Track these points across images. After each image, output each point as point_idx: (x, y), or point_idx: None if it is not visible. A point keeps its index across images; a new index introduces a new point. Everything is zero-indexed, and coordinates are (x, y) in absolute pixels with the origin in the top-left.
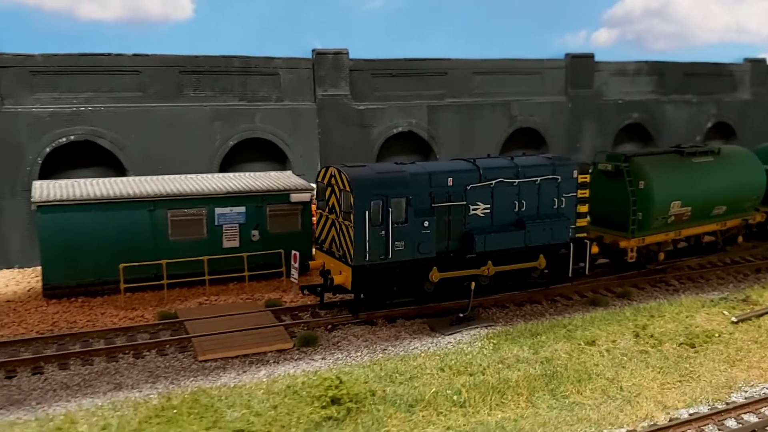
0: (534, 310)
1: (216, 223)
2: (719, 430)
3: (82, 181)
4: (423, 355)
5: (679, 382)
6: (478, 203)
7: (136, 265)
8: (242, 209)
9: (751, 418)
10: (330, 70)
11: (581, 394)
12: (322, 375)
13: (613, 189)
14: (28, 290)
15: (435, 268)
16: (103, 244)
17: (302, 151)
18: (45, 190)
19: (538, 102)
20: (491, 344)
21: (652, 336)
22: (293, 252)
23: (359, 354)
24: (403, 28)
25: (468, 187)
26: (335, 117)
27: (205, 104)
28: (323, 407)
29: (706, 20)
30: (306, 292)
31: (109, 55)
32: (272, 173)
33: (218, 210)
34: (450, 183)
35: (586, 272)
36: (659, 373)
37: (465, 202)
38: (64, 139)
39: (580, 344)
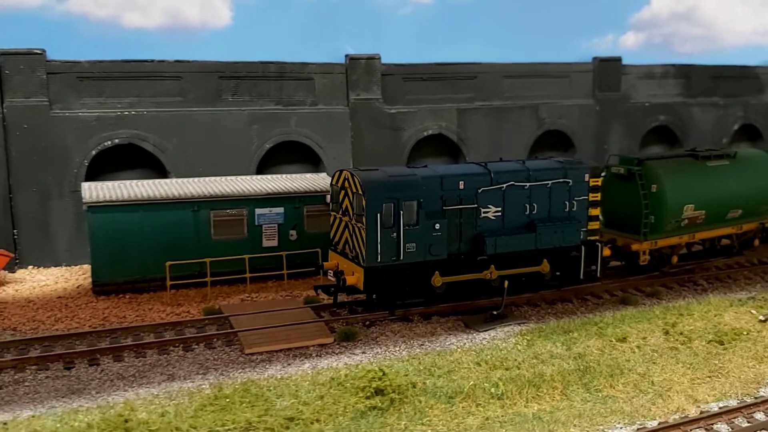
0: (565, 308)
1: (256, 223)
2: (748, 422)
3: (128, 182)
4: (459, 350)
5: (709, 377)
6: (490, 206)
7: (181, 263)
8: (281, 210)
9: None
10: (362, 74)
11: (614, 388)
12: (366, 367)
13: (625, 192)
14: (77, 287)
15: (437, 272)
16: (149, 243)
17: (335, 153)
18: (94, 191)
19: (566, 105)
20: (525, 340)
21: (681, 333)
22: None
23: (397, 348)
24: (434, 33)
25: (479, 191)
26: (367, 120)
27: (243, 109)
28: (368, 397)
29: (733, 23)
30: (320, 291)
31: (152, 61)
32: (308, 175)
33: (258, 210)
34: (461, 186)
35: (598, 275)
36: (689, 368)
37: (476, 205)
38: (109, 143)
39: (611, 341)
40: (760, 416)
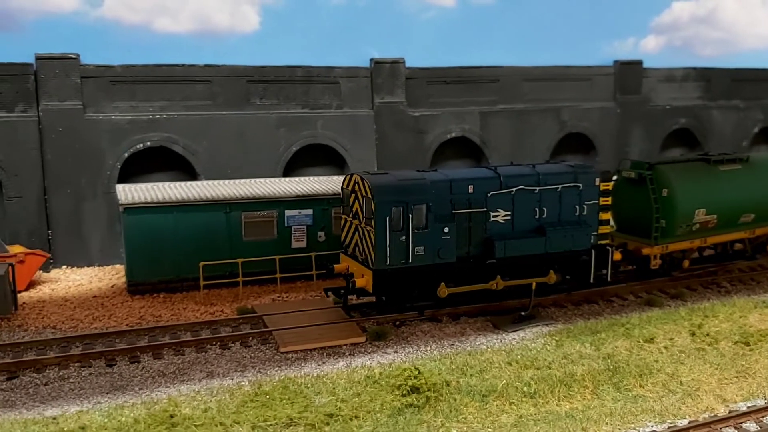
0: (592, 309)
1: (285, 225)
2: None
3: (161, 184)
4: (489, 350)
5: (736, 377)
6: (499, 210)
7: (214, 263)
8: (310, 212)
9: None
10: (387, 78)
11: (643, 387)
12: (401, 366)
13: (637, 196)
14: (111, 286)
15: (443, 283)
16: (183, 244)
17: (360, 156)
18: (129, 193)
19: (587, 108)
20: (554, 341)
21: (707, 335)
22: None
23: (428, 348)
24: (457, 37)
25: (489, 194)
26: (391, 123)
27: (271, 112)
28: (404, 395)
29: (753, 26)
30: (330, 294)
31: (182, 65)
32: (334, 177)
33: (288, 212)
34: (470, 190)
35: (608, 279)
36: (717, 369)
37: (486, 209)
38: (141, 145)
39: (639, 342)
40: None
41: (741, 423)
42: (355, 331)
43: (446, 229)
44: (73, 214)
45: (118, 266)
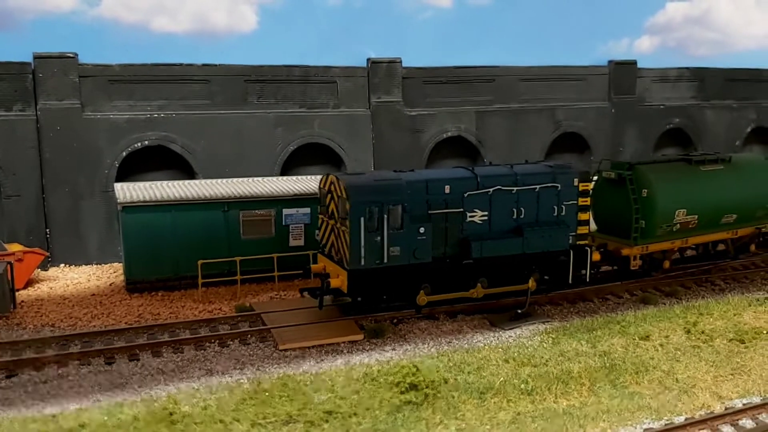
0: (587, 307)
1: (283, 223)
2: None
3: (159, 183)
4: (487, 348)
5: (732, 375)
6: (476, 210)
7: (212, 261)
8: (307, 210)
9: None
10: (384, 78)
11: (640, 384)
12: (399, 363)
13: (616, 197)
14: (110, 284)
15: (422, 291)
16: (181, 242)
17: (357, 155)
18: (128, 192)
19: (582, 107)
20: (550, 339)
21: (702, 332)
22: None
23: (426, 346)
24: (453, 37)
25: (465, 195)
26: (388, 123)
27: (268, 111)
28: (402, 392)
29: (747, 27)
30: (305, 294)
31: (180, 65)
32: None
33: (286, 211)
34: (447, 191)
35: (587, 279)
36: (712, 366)
37: (462, 209)
38: (139, 144)
39: (634, 339)
40: None
41: (737, 420)
42: (353, 328)
43: (422, 230)
44: (72, 212)
45: (116, 264)
